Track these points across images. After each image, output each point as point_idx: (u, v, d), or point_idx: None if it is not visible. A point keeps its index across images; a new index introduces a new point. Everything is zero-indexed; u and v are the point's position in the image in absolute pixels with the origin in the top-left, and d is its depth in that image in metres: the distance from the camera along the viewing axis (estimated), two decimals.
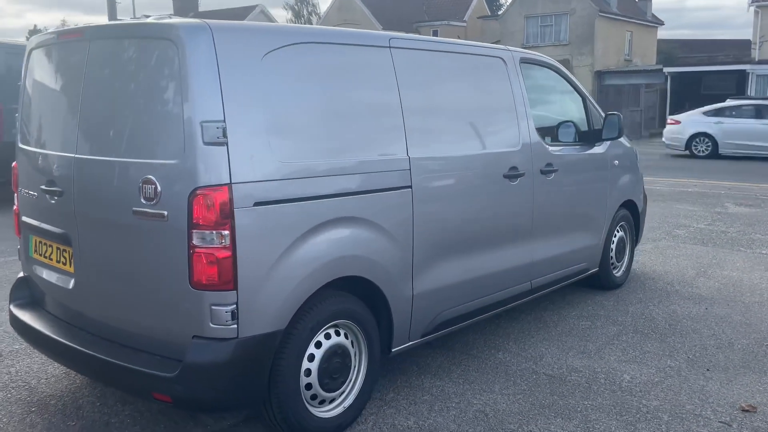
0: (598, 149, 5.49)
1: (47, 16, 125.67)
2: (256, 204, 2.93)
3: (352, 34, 3.58)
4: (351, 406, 3.50)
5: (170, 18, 3.03)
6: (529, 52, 5.09)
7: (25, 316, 3.66)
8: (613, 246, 5.90)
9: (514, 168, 4.43)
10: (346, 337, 3.46)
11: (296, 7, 72.96)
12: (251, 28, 3.18)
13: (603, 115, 5.51)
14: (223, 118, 2.83)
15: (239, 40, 2.99)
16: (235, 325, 2.91)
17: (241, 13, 47.71)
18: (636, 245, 6.44)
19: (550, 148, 4.84)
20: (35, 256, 3.73)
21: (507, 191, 4.40)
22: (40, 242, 3.66)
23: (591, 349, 4.63)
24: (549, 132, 5.21)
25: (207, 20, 2.94)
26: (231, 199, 2.84)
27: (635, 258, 7.06)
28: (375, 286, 3.53)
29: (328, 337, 3.36)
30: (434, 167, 3.87)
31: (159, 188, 2.91)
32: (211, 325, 2.90)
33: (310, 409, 3.30)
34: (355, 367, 3.54)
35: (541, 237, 4.80)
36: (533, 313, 5.36)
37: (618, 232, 5.98)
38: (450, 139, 4.03)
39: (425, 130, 3.83)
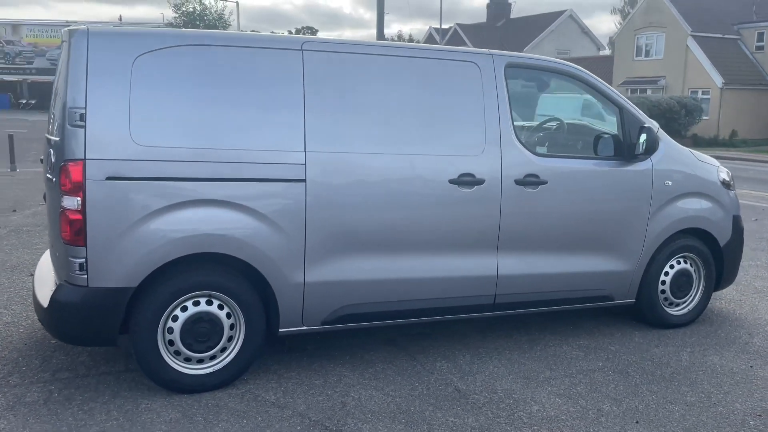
0: (638, 165, 4.89)
1: (409, 27, 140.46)
2: (108, 178, 3.57)
3: (246, 38, 3.98)
4: (222, 369, 3.93)
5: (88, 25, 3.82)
6: (535, 56, 4.79)
7: (42, 258, 4.79)
8: (667, 279, 5.18)
9: (468, 174, 4.32)
10: (221, 308, 3.89)
11: (625, 9, 70.75)
12: (128, 33, 3.77)
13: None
14: (84, 106, 3.52)
15: (112, 43, 3.64)
16: (85, 276, 3.60)
17: (550, 18, 47.74)
18: (720, 286, 5.48)
19: (537, 159, 4.54)
20: None
21: (454, 197, 4.31)
22: None
23: (541, 378, 4.28)
24: (548, 142, 4.84)
25: (93, 27, 3.66)
26: (84, 172, 3.52)
27: (748, 301, 6.01)
28: (253, 267, 3.89)
29: (197, 303, 3.85)
30: (340, 164, 4.03)
31: (53, 159, 3.72)
32: (70, 273, 3.62)
33: (169, 361, 3.82)
34: (234, 337, 3.95)
35: (516, 251, 4.54)
36: (532, 334, 5.04)
37: (678, 263, 5.22)
38: (372, 139, 4.12)
39: (336, 128, 4.02)
